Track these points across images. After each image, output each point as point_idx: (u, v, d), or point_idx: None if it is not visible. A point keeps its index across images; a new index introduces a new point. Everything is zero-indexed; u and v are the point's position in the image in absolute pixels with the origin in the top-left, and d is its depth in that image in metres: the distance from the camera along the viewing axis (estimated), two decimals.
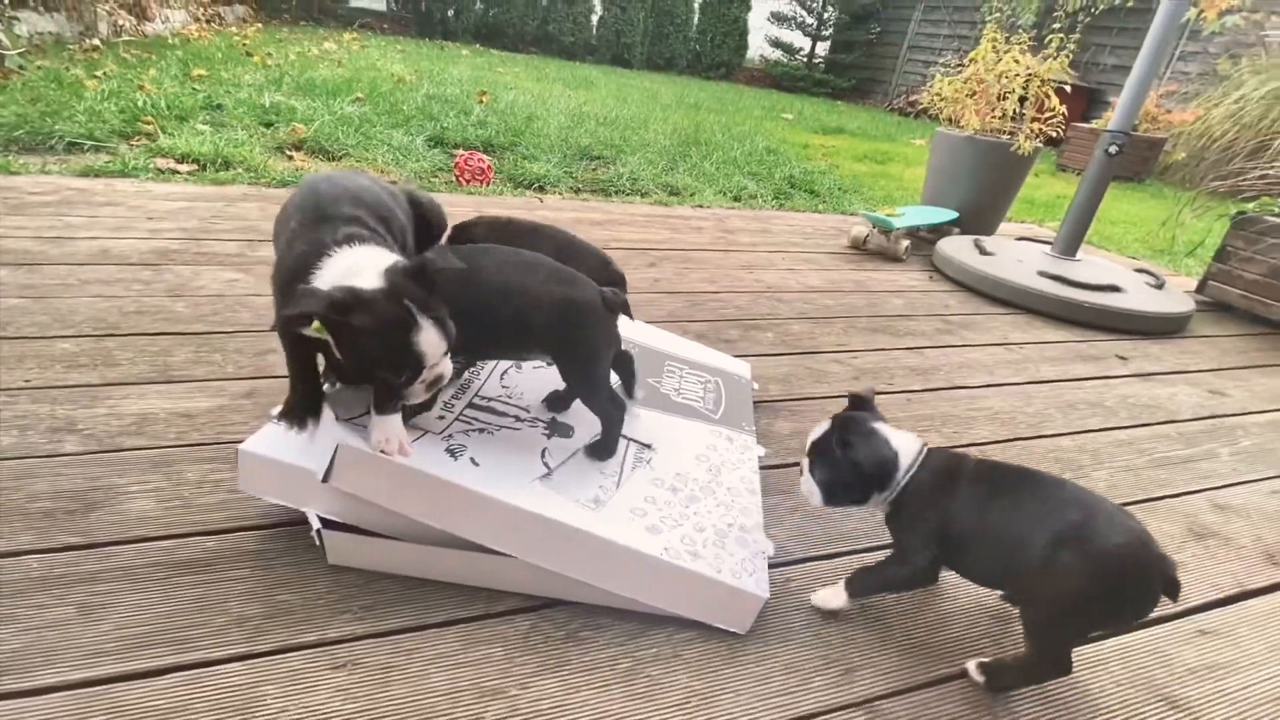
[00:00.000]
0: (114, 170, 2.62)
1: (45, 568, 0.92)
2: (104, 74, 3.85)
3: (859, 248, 3.01)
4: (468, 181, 3.25)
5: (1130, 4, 7.64)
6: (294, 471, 0.95)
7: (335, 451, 0.91)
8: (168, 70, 4.23)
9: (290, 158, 3.29)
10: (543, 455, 1.06)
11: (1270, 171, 3.35)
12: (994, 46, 3.12)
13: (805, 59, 12.14)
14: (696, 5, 11.49)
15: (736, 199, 3.73)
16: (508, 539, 0.93)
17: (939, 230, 3.21)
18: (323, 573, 0.97)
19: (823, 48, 12.21)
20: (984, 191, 3.25)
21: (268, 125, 3.63)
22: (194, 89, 3.95)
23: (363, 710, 0.79)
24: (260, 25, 8.16)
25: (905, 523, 0.95)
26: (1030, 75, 3.02)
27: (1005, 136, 3.16)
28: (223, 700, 0.78)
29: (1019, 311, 2.47)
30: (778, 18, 12.01)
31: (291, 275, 0.88)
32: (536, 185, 3.44)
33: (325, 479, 0.93)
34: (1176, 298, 2.58)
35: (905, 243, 2.91)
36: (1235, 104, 6.09)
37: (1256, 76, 5.98)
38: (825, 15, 11.82)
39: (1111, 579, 0.81)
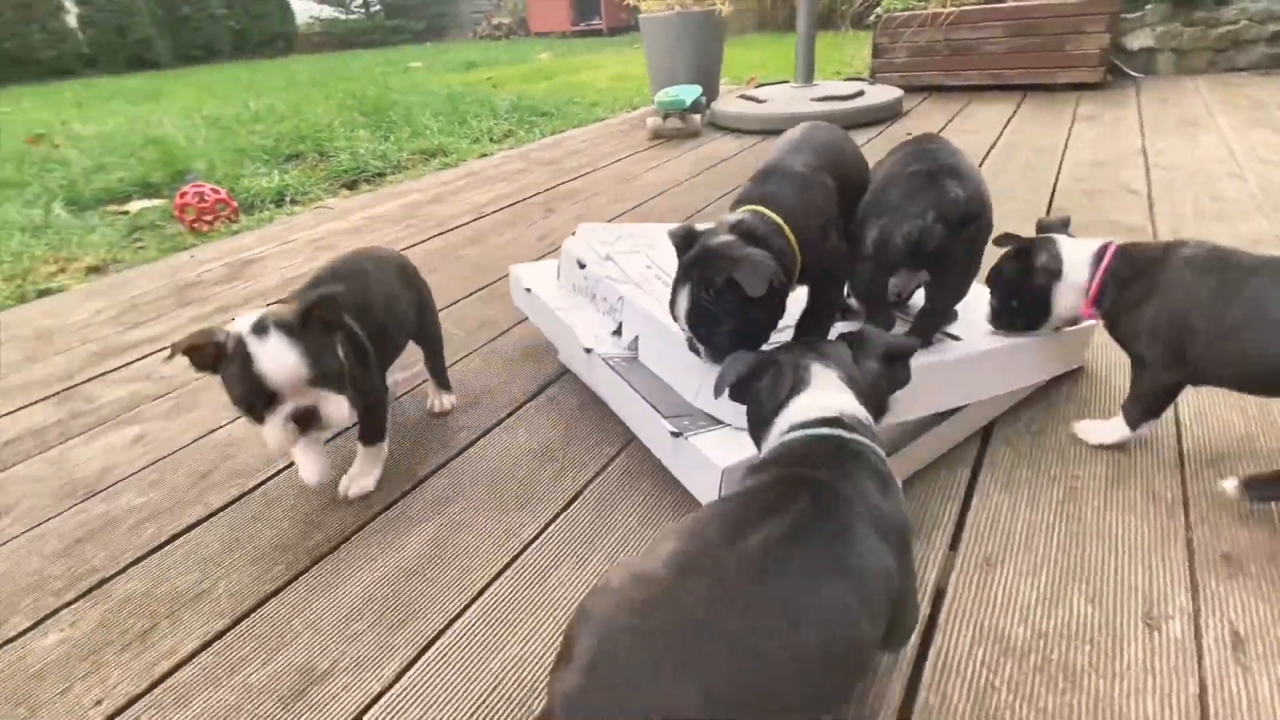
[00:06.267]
0: None
1: None
2: None
3: (661, 136, 3.17)
4: (209, 225, 2.42)
5: None
6: None
7: None
8: None
9: None
10: None
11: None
12: None
13: (363, 10, 11.22)
14: None
15: (499, 141, 3.51)
16: (975, 387, 0.96)
17: (694, 105, 3.54)
18: None
19: None
20: (703, 58, 3.64)
21: None
22: None
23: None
24: None
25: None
26: None
27: (697, 7, 3.55)
28: None
29: None
30: None
31: None
32: (280, 200, 2.75)
33: None
34: (886, 89, 3.37)
35: (697, 117, 3.17)
36: None
37: None
38: None
39: None
